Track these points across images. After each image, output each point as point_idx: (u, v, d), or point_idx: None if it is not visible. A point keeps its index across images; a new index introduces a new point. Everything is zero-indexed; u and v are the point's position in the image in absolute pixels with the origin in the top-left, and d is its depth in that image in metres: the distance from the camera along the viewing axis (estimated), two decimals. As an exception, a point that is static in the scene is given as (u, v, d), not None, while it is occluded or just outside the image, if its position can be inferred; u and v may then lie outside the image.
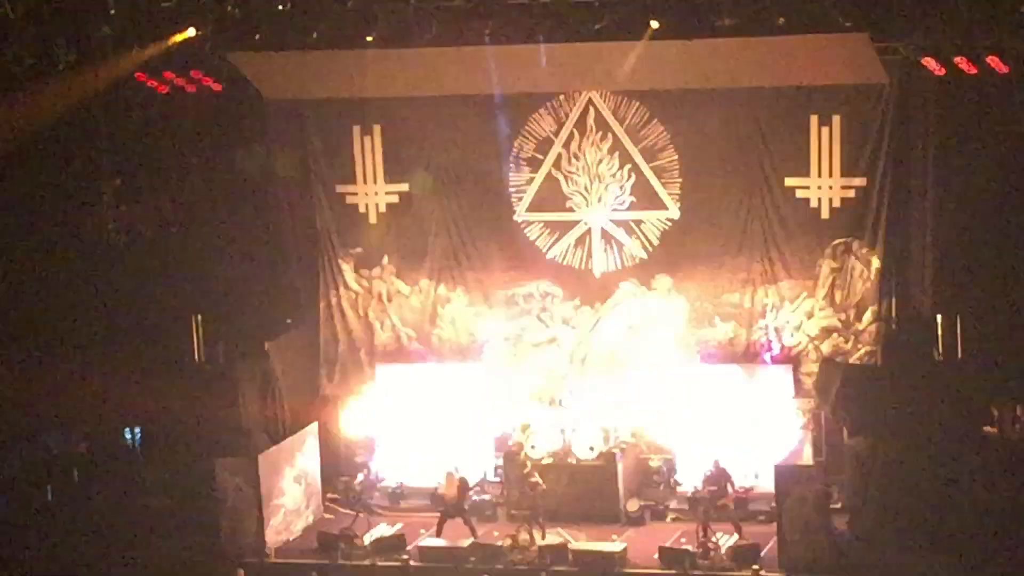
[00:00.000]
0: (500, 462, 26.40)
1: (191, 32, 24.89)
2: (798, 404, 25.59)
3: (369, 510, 25.75)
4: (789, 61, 24.57)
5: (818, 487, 23.32)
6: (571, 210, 26.91)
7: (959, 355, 24.58)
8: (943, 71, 23.33)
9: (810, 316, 26.02)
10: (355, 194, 27.69)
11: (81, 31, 24.44)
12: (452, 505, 24.83)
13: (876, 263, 25.42)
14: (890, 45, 23.65)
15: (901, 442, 23.73)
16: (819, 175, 25.53)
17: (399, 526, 25.60)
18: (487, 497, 26.15)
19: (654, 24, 23.83)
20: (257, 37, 25.06)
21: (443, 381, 27.46)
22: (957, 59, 23.15)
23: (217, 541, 24.27)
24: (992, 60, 22.96)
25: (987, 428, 24.02)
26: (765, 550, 23.48)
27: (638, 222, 26.63)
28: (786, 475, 23.55)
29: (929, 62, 23.35)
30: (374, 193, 27.56)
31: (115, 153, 26.70)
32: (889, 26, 23.23)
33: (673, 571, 23.26)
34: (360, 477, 26.10)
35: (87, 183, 26.43)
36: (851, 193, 25.43)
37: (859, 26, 23.23)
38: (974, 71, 23.14)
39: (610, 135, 26.42)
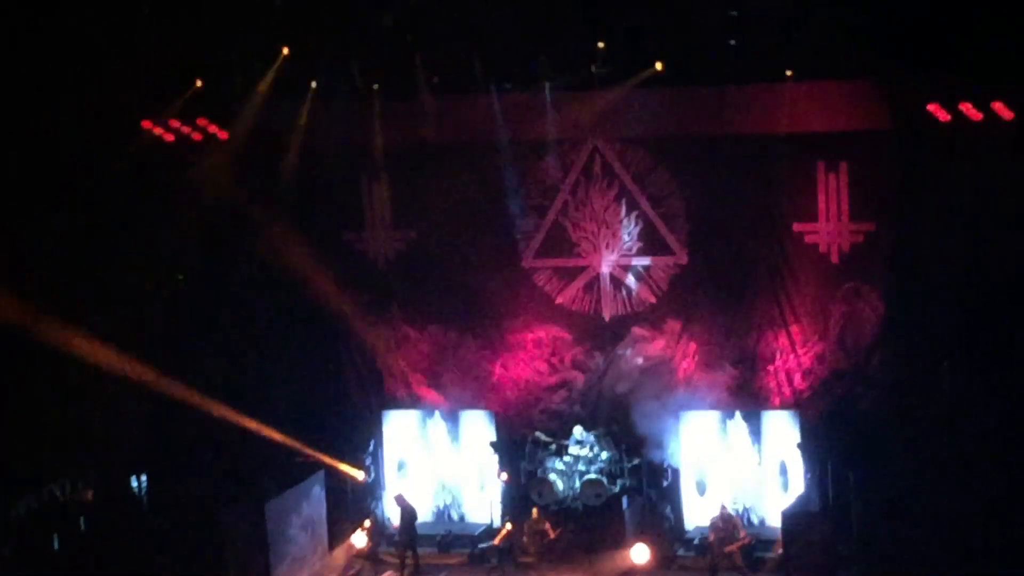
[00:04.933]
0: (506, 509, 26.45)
1: (197, 84, 24.98)
2: (806, 449, 25.42)
3: (376, 557, 25.73)
4: (795, 108, 24.57)
5: (825, 534, 23.21)
6: (579, 256, 26.92)
7: (967, 400, 24.41)
8: (948, 117, 23.27)
9: (820, 360, 25.93)
10: (363, 241, 27.74)
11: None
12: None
13: (885, 307, 25.31)
14: (895, 92, 23.61)
15: (909, 489, 23.57)
16: (827, 220, 25.52)
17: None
18: (493, 544, 26.11)
19: (658, 66, 23.85)
20: (264, 86, 25.14)
21: (451, 427, 27.48)
22: (962, 105, 23.09)
23: (223, 589, 24.23)
24: (997, 106, 22.90)
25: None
26: (772, 598, 23.48)
27: (647, 267, 26.63)
28: (793, 521, 23.47)
29: (934, 108, 23.29)
30: (382, 240, 27.62)
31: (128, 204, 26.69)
32: (894, 73, 23.17)
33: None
34: (367, 524, 26.03)
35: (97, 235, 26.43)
36: (860, 238, 25.40)
37: (864, 73, 23.26)
38: (979, 117, 23.08)
39: (616, 182, 26.46)
